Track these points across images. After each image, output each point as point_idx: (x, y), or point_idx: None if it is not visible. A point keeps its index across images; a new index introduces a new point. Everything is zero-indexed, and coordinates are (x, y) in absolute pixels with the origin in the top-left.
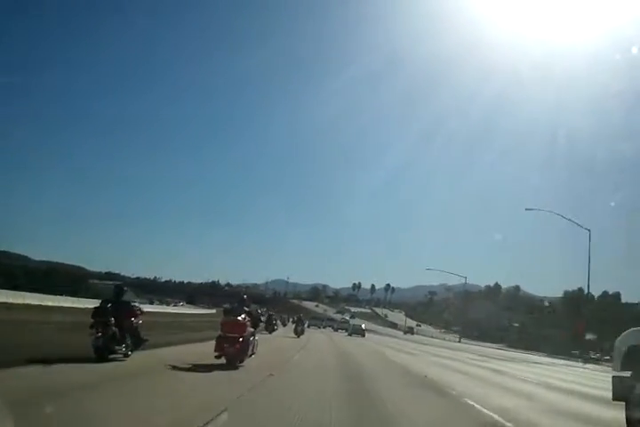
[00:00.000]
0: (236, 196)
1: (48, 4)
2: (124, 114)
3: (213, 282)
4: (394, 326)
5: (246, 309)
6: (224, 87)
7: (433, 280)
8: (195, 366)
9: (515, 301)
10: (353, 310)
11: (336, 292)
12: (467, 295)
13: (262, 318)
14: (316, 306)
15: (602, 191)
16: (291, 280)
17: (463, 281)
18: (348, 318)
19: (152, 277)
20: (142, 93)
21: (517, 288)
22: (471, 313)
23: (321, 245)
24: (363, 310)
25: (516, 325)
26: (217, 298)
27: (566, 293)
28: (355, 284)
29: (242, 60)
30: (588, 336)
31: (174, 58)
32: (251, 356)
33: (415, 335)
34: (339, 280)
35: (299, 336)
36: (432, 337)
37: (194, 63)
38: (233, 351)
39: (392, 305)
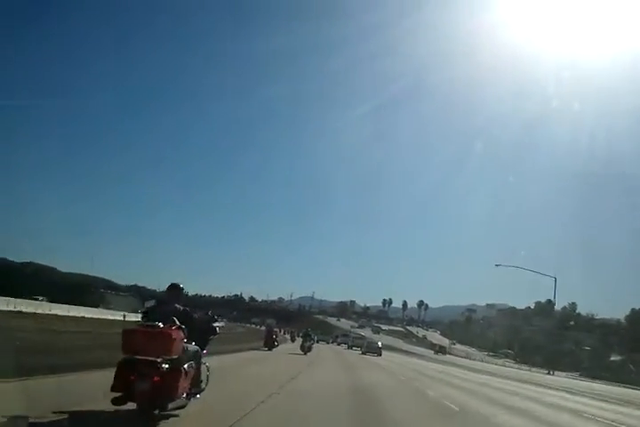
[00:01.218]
0: (264, 213)
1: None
2: (147, 132)
3: (236, 295)
4: (434, 346)
5: (180, 308)
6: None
7: (462, 300)
8: (69, 416)
9: (572, 320)
10: (384, 327)
11: (365, 308)
12: (514, 314)
13: (218, 326)
14: (338, 320)
15: None
16: (320, 297)
17: (551, 283)
18: (362, 333)
19: None
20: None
21: (574, 306)
22: (526, 334)
23: (349, 262)
24: (394, 328)
25: (587, 348)
26: (239, 312)
27: (634, 311)
28: (385, 300)
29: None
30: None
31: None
32: (195, 395)
33: (450, 356)
34: (368, 298)
35: (305, 353)
36: (498, 365)
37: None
38: (147, 389)
39: (425, 324)
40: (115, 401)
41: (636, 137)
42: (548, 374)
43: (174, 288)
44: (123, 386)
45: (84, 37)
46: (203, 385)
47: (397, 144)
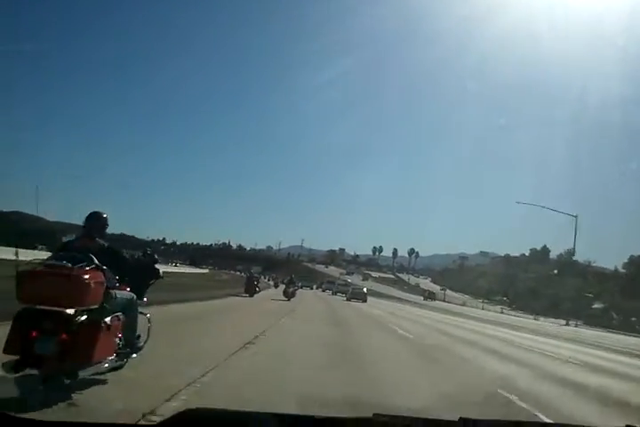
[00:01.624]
0: (254, 160)
1: None
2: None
3: (224, 244)
4: (424, 292)
5: (104, 243)
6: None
7: (453, 249)
8: None
9: (569, 268)
10: (374, 275)
11: (355, 256)
12: (508, 261)
13: (159, 268)
14: (326, 267)
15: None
16: (309, 246)
17: (572, 221)
18: (349, 280)
19: (161, 239)
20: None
21: (571, 253)
22: (521, 281)
23: (339, 211)
24: (384, 275)
25: (590, 295)
26: (226, 260)
27: (632, 258)
28: (375, 247)
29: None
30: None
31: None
32: (130, 355)
33: (444, 303)
34: (358, 246)
35: (289, 299)
36: (497, 312)
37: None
38: (51, 351)
39: (415, 271)
40: (7, 367)
41: (631, 82)
42: (567, 325)
43: (95, 218)
44: (19, 347)
45: None
46: (141, 342)
47: (388, 92)
